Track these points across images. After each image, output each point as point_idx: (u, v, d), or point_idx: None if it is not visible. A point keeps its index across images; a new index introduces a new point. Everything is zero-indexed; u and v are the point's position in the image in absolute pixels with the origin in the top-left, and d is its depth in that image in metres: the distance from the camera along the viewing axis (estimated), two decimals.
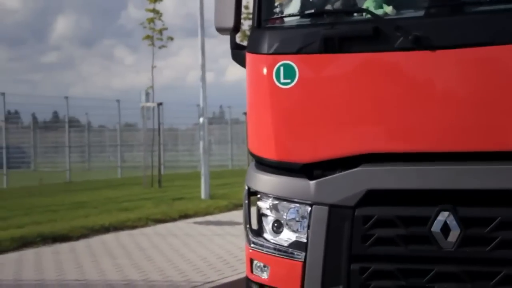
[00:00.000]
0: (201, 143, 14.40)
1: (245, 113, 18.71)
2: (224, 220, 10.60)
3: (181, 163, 28.24)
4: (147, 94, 17.21)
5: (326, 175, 3.82)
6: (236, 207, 11.86)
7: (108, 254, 7.98)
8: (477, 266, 3.52)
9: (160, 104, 16.91)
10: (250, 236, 4.16)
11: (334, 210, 3.75)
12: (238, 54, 4.27)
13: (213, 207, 11.89)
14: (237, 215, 11.02)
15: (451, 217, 3.54)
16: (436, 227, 3.56)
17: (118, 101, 23.41)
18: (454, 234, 3.53)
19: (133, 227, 9.99)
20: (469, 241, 3.51)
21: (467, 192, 3.56)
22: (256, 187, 4.12)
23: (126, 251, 8.14)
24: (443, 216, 3.55)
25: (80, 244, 8.75)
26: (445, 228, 3.55)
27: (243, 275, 6.20)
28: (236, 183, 16.00)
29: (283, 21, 4.09)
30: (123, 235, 9.44)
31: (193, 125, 28.84)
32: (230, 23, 4.20)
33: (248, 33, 10.63)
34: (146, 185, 16.60)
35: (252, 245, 4.14)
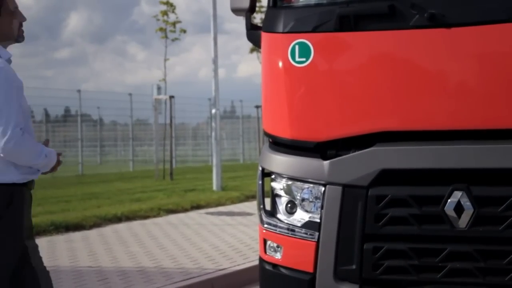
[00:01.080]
0: (213, 134, 14.41)
1: (256, 107, 18.71)
2: (236, 211, 10.61)
3: (192, 158, 28.30)
4: (159, 88, 17.26)
5: (340, 155, 3.82)
6: (247, 198, 11.87)
7: (120, 242, 8.01)
8: (490, 245, 3.50)
9: (172, 97, 16.95)
10: (264, 217, 4.17)
11: (348, 190, 3.75)
12: (253, 34, 4.27)
13: (225, 198, 11.91)
14: (249, 206, 11.03)
15: (465, 196, 3.53)
16: (449, 206, 3.55)
17: (130, 94, 23.49)
18: (467, 214, 3.51)
19: (145, 217, 10.02)
20: (482, 221, 3.50)
21: (481, 171, 3.54)
22: (270, 167, 4.12)
23: (138, 240, 8.17)
24: (457, 195, 3.54)
25: (93, 233, 8.80)
26: (459, 208, 3.53)
27: (254, 263, 6.23)
28: (248, 176, 16.02)
29: (298, 0, 4.09)
30: (136, 224, 9.48)
31: (205, 119, 28.87)
32: (246, 3, 4.21)
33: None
34: (158, 177, 16.66)
35: (265, 225, 4.14)
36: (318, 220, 3.83)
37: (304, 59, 3.88)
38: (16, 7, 3.44)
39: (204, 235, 8.40)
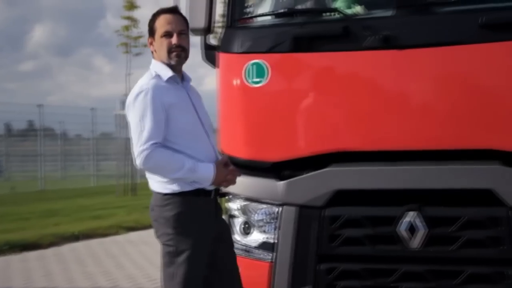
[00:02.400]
0: None
1: None
2: None
3: None
4: (122, 102, 17.09)
5: (296, 176, 3.82)
6: None
7: (77, 262, 7.87)
8: (442, 265, 3.54)
9: None
10: None
11: (303, 211, 3.76)
12: (210, 54, 4.27)
13: None
14: None
15: (418, 217, 3.56)
16: (402, 227, 3.58)
17: (92, 109, 23.23)
18: (420, 234, 3.55)
19: (105, 235, 9.87)
20: (435, 241, 3.54)
21: (433, 192, 3.59)
22: (226, 188, 4.11)
23: (96, 259, 8.04)
24: (410, 216, 3.57)
25: (50, 252, 8.62)
26: (412, 228, 3.57)
27: None
28: None
29: (254, 21, 4.10)
30: (94, 243, 9.33)
31: None
32: (202, 23, 4.21)
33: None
34: (120, 193, 16.46)
35: None
36: (274, 241, 3.82)
37: (260, 79, 3.88)
38: None
39: None
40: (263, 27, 4.01)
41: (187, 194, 3.22)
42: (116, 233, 10.08)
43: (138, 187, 17.04)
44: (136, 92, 3.25)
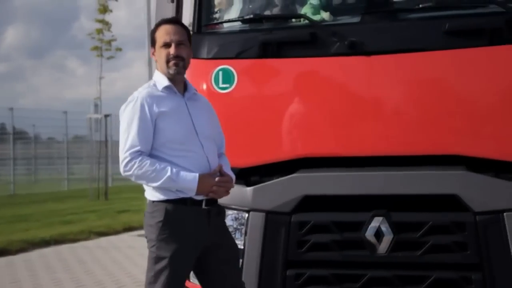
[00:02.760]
0: None
1: None
2: None
3: None
4: (95, 105, 16.95)
5: (263, 181, 3.82)
6: None
7: (47, 268, 7.75)
8: (409, 270, 3.56)
9: (107, 115, 16.68)
10: None
11: (271, 217, 3.75)
12: None
13: None
14: None
15: (385, 222, 3.58)
16: (370, 232, 3.59)
17: (65, 112, 22.98)
18: (387, 239, 3.56)
19: (75, 240, 9.73)
20: (401, 246, 3.56)
21: (400, 198, 3.61)
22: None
23: (66, 265, 7.92)
24: (377, 221, 3.59)
25: (18, 258, 8.47)
26: (379, 233, 3.58)
27: None
28: None
29: (222, 27, 4.10)
30: (64, 248, 9.20)
31: None
32: None
33: None
34: (92, 197, 16.32)
35: None
36: (242, 247, 3.80)
37: (227, 85, 3.88)
38: None
39: (134, 259, 8.22)
40: (230, 33, 4.00)
41: (172, 202, 3.22)
42: (86, 238, 9.97)
43: (110, 191, 16.90)
44: (128, 100, 3.29)
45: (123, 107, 3.29)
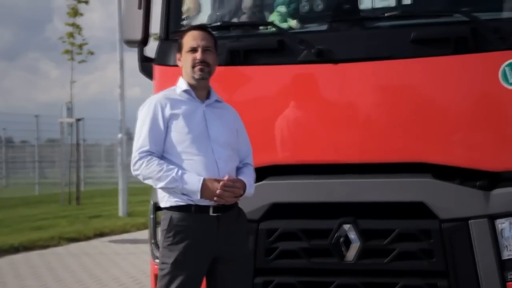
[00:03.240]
0: (118, 159, 14.15)
1: None
2: (141, 238, 10.36)
3: (104, 179, 27.57)
4: (68, 108, 16.75)
5: None
6: None
7: (15, 275, 7.64)
8: (377, 277, 3.58)
9: (79, 119, 16.50)
10: (155, 252, 4.09)
11: None
12: (146, 66, 4.22)
13: (130, 224, 11.63)
14: None
15: (352, 229, 3.59)
16: (337, 239, 3.60)
17: (36, 116, 22.71)
18: (355, 247, 3.58)
19: (45, 246, 9.61)
20: (369, 253, 3.57)
21: (367, 205, 3.62)
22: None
23: (35, 272, 7.82)
24: (345, 228, 3.60)
25: None
26: (346, 241, 3.60)
27: None
28: None
29: None
30: (34, 255, 9.08)
31: (117, 140, 28.25)
32: (138, 35, 4.15)
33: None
34: (63, 202, 16.13)
35: (156, 260, 4.06)
36: None
37: None
38: None
39: (105, 266, 8.15)
40: None
41: (177, 209, 3.23)
42: (57, 244, 9.85)
43: (83, 196, 16.73)
44: (144, 103, 3.37)
45: (141, 107, 3.37)
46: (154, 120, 3.25)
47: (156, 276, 4.08)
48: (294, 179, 3.74)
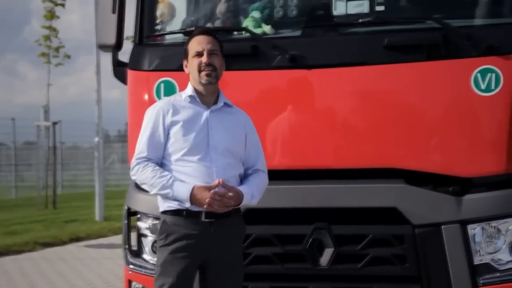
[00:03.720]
0: (95, 163, 14.08)
1: None
2: (117, 243, 10.27)
3: (82, 183, 27.32)
4: (45, 111, 16.59)
5: None
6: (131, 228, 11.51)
7: None
8: (350, 283, 3.59)
9: (55, 123, 16.35)
10: (129, 257, 4.07)
11: None
12: (119, 71, 4.19)
13: (107, 229, 11.54)
14: (131, 237, 10.72)
15: (326, 235, 3.59)
16: (311, 245, 3.60)
17: (13, 119, 22.47)
18: (328, 252, 3.58)
19: (19, 251, 9.49)
20: (343, 259, 3.58)
21: (341, 210, 3.63)
22: (135, 207, 4.03)
23: (8, 278, 7.72)
24: (318, 234, 3.61)
25: None
26: (320, 246, 3.60)
27: None
28: None
29: (164, 38, 4.07)
30: (8, 260, 8.96)
31: (95, 143, 28.05)
32: (112, 40, 4.13)
33: None
34: (40, 206, 15.97)
35: (130, 266, 4.04)
36: None
37: None
38: None
39: (80, 271, 8.07)
40: (172, 44, 3.97)
41: (170, 213, 3.25)
42: (31, 249, 9.73)
43: (60, 199, 16.57)
44: (150, 107, 3.38)
45: (147, 110, 3.38)
46: (154, 127, 3.27)
47: (129, 282, 4.09)
48: (268, 185, 3.72)
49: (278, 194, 3.69)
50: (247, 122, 3.38)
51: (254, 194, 3.29)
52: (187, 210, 3.20)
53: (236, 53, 3.74)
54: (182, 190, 3.17)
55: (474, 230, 3.48)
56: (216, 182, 3.16)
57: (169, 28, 4.08)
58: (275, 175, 3.72)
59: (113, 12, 4.07)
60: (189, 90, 3.30)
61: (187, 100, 3.29)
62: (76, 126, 25.39)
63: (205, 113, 3.27)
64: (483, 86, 3.50)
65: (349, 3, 3.79)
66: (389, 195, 3.55)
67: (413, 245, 3.50)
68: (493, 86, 3.48)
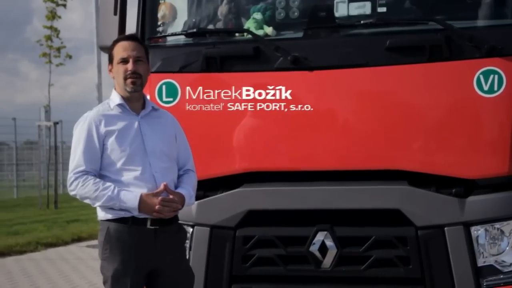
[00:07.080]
0: None
1: None
2: None
3: None
4: (46, 111, 16.59)
5: (208, 196, 3.79)
6: None
7: None
8: (353, 284, 3.59)
9: (56, 123, 16.36)
10: None
11: (216, 231, 3.73)
12: None
13: None
14: None
15: (329, 237, 3.59)
16: (314, 247, 3.60)
17: (14, 119, 22.47)
18: (331, 254, 3.58)
19: (21, 252, 9.50)
20: (345, 260, 3.57)
21: (344, 212, 3.62)
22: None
23: (10, 278, 7.72)
24: (321, 236, 3.60)
25: None
26: (323, 248, 3.59)
27: None
28: None
29: (166, 40, 4.06)
30: (10, 260, 8.96)
31: None
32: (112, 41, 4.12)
33: None
34: (41, 206, 15.98)
35: None
36: None
37: (171, 99, 3.85)
38: None
39: (82, 271, 8.06)
40: (174, 46, 3.97)
41: (114, 221, 3.20)
42: (34, 250, 9.74)
43: (61, 199, 16.58)
44: (79, 120, 3.31)
45: (75, 125, 3.31)
46: (88, 139, 3.21)
47: None
48: (271, 186, 3.73)
49: (281, 195, 3.69)
50: (174, 123, 3.40)
51: (191, 194, 3.32)
52: (133, 217, 3.18)
53: (237, 54, 3.75)
54: (130, 199, 3.15)
55: (478, 232, 3.47)
56: (162, 187, 3.17)
57: (170, 30, 4.07)
58: (276, 177, 3.73)
59: (115, 14, 4.07)
60: (117, 99, 3.26)
61: (117, 109, 3.25)
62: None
63: (136, 120, 3.26)
64: (486, 88, 3.49)
65: (351, 4, 3.78)
66: (392, 196, 3.54)
67: (417, 247, 3.49)
68: (496, 88, 3.47)
